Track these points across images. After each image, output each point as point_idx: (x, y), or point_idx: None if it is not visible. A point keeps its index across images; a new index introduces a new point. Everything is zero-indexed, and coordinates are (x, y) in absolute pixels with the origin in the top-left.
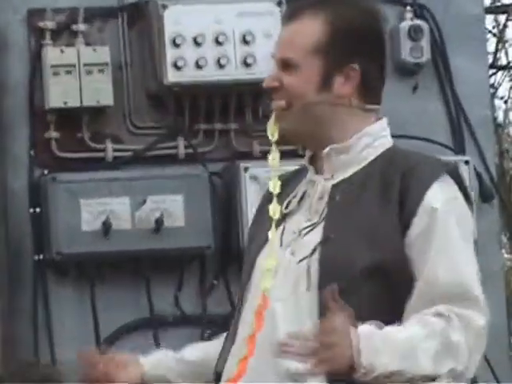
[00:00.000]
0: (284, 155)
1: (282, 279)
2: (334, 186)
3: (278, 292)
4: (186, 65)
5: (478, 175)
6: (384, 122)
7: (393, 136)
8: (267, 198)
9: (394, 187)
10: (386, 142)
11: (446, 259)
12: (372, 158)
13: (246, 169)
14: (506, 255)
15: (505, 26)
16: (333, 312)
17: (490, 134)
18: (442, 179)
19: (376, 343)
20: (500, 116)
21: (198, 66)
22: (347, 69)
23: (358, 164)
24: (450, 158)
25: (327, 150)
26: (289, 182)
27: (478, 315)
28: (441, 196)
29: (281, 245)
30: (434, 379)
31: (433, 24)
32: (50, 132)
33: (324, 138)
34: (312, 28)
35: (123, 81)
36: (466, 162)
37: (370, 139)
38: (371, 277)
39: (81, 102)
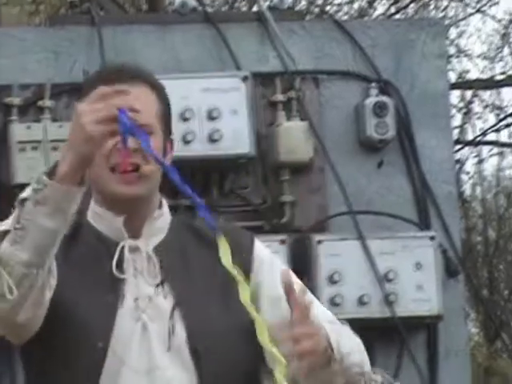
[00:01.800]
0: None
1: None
2: (157, 249)
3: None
4: None
5: (444, 251)
6: None
7: (358, 212)
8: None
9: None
10: None
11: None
12: (169, 224)
13: None
14: (473, 329)
15: (470, 102)
16: (304, 306)
17: (456, 209)
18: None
19: (336, 336)
20: (467, 191)
21: None
22: (169, 143)
23: (163, 232)
24: (416, 233)
25: (156, 213)
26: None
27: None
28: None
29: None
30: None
31: (398, 100)
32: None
33: (151, 204)
34: (152, 99)
35: None
36: (432, 238)
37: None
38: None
39: None
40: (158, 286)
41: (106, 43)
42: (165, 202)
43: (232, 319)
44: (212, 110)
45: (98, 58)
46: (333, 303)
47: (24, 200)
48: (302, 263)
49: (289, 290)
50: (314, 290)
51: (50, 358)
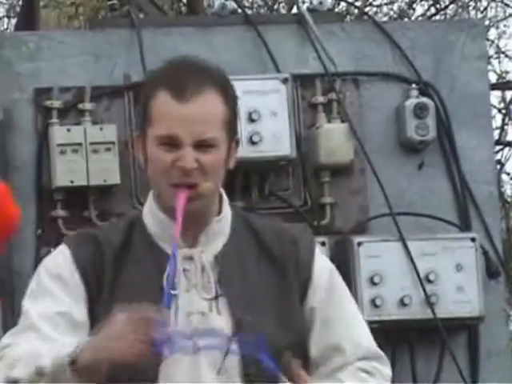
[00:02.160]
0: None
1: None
2: (216, 258)
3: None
4: None
5: (485, 252)
6: None
7: (398, 213)
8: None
9: (285, 260)
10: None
11: (358, 322)
12: (229, 227)
13: None
14: None
15: (510, 102)
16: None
17: (496, 210)
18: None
19: None
20: (508, 191)
21: None
22: (234, 143)
23: (223, 236)
24: (457, 235)
25: (214, 220)
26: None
27: (387, 369)
28: (325, 261)
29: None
30: None
31: (438, 101)
32: (56, 211)
33: (209, 212)
34: (218, 105)
35: (129, 159)
36: (472, 239)
37: (228, 208)
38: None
39: (87, 180)
40: (211, 300)
41: (146, 45)
42: (226, 204)
43: (287, 338)
44: (252, 112)
45: (138, 60)
46: (373, 305)
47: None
48: (342, 265)
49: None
50: (354, 292)
51: None
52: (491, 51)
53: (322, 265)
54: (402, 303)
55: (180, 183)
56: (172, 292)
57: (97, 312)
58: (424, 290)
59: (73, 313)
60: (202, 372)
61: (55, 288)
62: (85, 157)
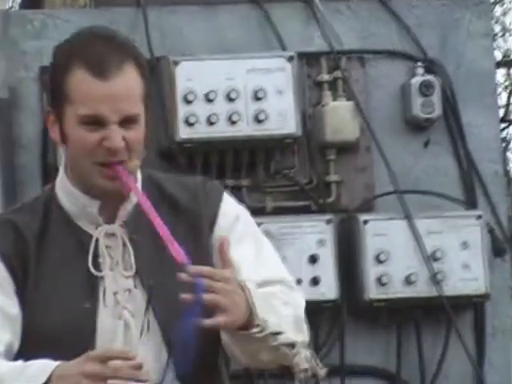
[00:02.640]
0: (296, 210)
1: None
2: (127, 224)
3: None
4: (197, 121)
5: (490, 230)
6: None
7: (404, 191)
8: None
9: (194, 208)
10: None
11: (270, 260)
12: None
13: (258, 224)
14: None
15: None
16: (226, 263)
17: (502, 188)
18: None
19: (262, 302)
20: None
21: (210, 123)
22: (149, 115)
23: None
24: (463, 213)
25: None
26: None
27: (302, 298)
28: (234, 205)
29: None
30: (293, 346)
31: (444, 79)
32: None
33: None
34: (137, 80)
35: None
36: (479, 217)
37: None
38: None
39: None
40: (133, 277)
41: (151, 24)
42: (138, 172)
43: None
44: (258, 90)
45: (143, 38)
46: (379, 283)
47: None
48: (348, 243)
49: (221, 248)
50: (361, 270)
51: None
52: (497, 29)
53: (229, 209)
54: (408, 281)
55: (107, 162)
56: (98, 274)
57: (25, 299)
58: (430, 267)
59: (5, 307)
60: (137, 344)
61: None
62: None
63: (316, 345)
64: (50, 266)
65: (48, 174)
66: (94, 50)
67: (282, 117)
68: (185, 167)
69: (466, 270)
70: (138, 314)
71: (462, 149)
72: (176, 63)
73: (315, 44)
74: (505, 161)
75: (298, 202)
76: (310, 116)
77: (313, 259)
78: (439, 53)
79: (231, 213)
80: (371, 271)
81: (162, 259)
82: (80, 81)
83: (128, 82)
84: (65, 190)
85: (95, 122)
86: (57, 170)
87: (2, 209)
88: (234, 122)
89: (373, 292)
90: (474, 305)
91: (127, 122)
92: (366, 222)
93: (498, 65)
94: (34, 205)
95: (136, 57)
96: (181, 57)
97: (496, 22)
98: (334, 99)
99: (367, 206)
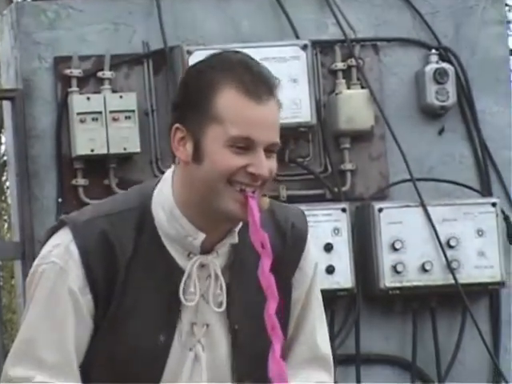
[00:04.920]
0: (311, 199)
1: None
2: (226, 267)
3: None
4: None
5: (506, 217)
6: None
7: (419, 179)
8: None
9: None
10: None
11: (322, 327)
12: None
13: None
14: None
15: None
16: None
17: None
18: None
19: None
20: None
21: None
22: None
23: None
24: (478, 200)
25: (236, 231)
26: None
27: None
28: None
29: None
30: None
31: (458, 67)
32: (77, 179)
33: None
34: (279, 110)
35: (149, 127)
36: (493, 204)
37: None
38: None
39: (108, 149)
40: (221, 312)
41: (165, 13)
42: None
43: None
44: None
45: (157, 28)
46: (395, 271)
47: None
48: (363, 231)
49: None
50: (375, 258)
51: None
52: (511, 16)
53: (311, 257)
54: (423, 269)
55: (245, 186)
56: (187, 304)
57: (105, 318)
58: (445, 255)
59: (73, 358)
60: (203, 368)
61: (61, 314)
62: (104, 125)
63: (331, 333)
64: (135, 290)
65: (63, 164)
66: (250, 73)
67: (296, 105)
68: None
69: (481, 257)
70: (209, 350)
71: (477, 136)
72: (189, 53)
73: (329, 32)
74: None
75: (312, 190)
76: (324, 104)
77: (328, 248)
78: (453, 40)
79: (312, 260)
80: (386, 259)
81: (251, 303)
82: (233, 101)
83: (275, 109)
84: (168, 211)
85: (244, 145)
86: (71, 160)
87: (16, 200)
88: None
89: (388, 280)
90: (490, 292)
91: (269, 150)
92: (380, 210)
93: None
94: (127, 216)
95: (276, 86)
96: (194, 46)
97: (510, 10)
98: (348, 87)
99: (382, 194)
